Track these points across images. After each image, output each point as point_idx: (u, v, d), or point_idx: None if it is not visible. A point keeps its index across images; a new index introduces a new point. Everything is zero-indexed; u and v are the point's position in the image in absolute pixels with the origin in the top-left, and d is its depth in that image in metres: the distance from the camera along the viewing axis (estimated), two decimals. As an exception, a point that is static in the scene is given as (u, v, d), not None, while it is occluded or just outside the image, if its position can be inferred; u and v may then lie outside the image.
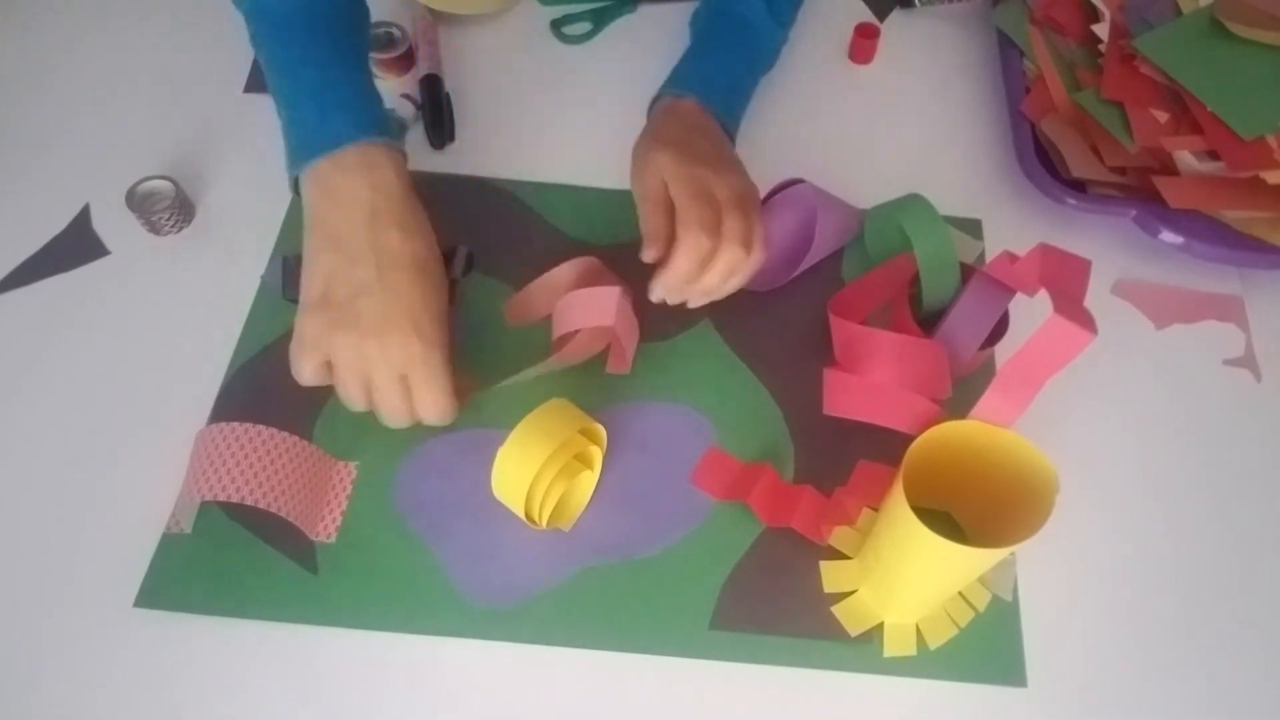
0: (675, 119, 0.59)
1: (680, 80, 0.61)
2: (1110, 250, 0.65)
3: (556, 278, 0.57)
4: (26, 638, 0.50)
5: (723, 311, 0.62)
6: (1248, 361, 0.62)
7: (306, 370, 0.50)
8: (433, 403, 0.50)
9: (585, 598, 0.52)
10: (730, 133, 0.61)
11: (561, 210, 0.66)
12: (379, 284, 0.49)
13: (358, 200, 0.50)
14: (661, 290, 0.54)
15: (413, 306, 0.49)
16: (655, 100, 0.61)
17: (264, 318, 0.60)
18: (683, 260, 0.52)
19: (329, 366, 0.50)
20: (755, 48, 0.66)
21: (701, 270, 0.53)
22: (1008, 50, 0.72)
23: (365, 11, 0.59)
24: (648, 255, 0.53)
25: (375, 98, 0.55)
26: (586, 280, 0.57)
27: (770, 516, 0.52)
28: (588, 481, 0.54)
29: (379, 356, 0.49)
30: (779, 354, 0.60)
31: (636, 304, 0.57)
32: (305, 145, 0.51)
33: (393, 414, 0.51)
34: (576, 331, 0.55)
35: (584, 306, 0.54)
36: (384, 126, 0.53)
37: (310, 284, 0.50)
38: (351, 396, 0.50)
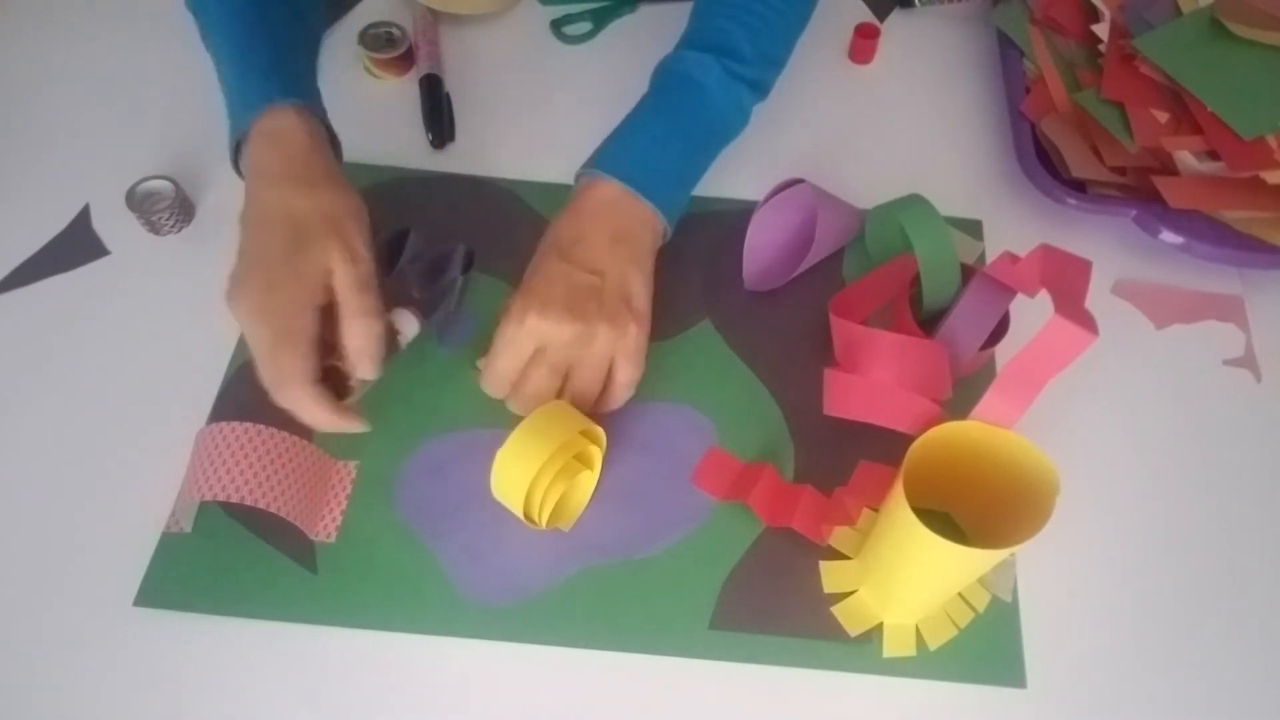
0: (577, 219, 0.55)
1: (604, 155, 0.56)
2: (1110, 250, 0.65)
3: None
4: (26, 636, 0.50)
5: (723, 311, 0.62)
6: (1248, 361, 0.62)
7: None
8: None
9: (585, 598, 0.52)
10: (665, 211, 0.56)
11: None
12: (246, 244, 0.50)
13: (254, 164, 0.52)
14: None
15: (269, 266, 0.49)
16: (578, 176, 0.57)
17: (264, 318, 0.60)
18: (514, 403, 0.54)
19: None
20: (705, 115, 0.59)
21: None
22: (1008, 50, 0.72)
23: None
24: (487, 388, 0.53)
25: (266, 63, 0.54)
26: None
27: (770, 516, 0.52)
28: (587, 481, 0.54)
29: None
30: (779, 354, 0.60)
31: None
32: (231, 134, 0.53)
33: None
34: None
35: None
36: (270, 90, 0.52)
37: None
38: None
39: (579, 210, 0.55)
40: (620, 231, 0.54)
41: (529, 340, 0.51)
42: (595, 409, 0.54)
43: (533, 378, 0.52)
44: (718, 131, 0.60)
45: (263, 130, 0.52)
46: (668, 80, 0.59)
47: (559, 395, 0.53)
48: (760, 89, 0.62)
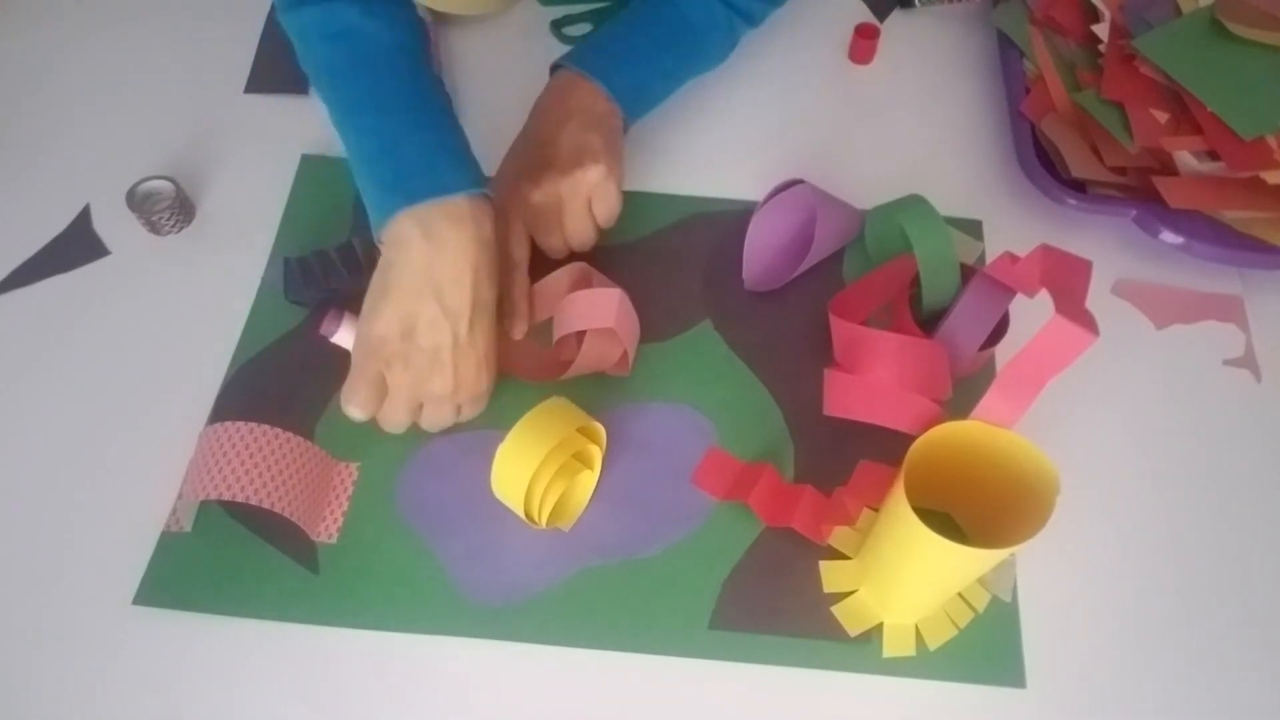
0: (540, 104, 0.61)
1: (570, 51, 0.62)
2: (1110, 250, 0.65)
3: (553, 283, 0.58)
4: (26, 634, 0.50)
5: (723, 311, 0.62)
6: (1248, 361, 0.62)
7: (364, 397, 0.52)
8: (473, 414, 0.55)
9: (585, 597, 0.52)
10: (619, 94, 0.60)
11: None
12: (467, 333, 0.51)
13: (465, 254, 0.50)
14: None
15: (490, 351, 0.53)
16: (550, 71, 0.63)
17: (264, 318, 0.60)
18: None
19: (380, 395, 0.52)
20: (671, 19, 0.63)
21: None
22: (1008, 50, 0.72)
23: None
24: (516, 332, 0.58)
25: (469, 147, 0.54)
26: (580, 285, 0.58)
27: (770, 516, 0.52)
28: (588, 481, 0.55)
29: (443, 393, 0.52)
30: (779, 354, 0.60)
31: (636, 305, 0.57)
32: (412, 184, 0.50)
33: (435, 428, 0.54)
34: (581, 334, 0.55)
35: (585, 308, 0.55)
36: (481, 177, 0.53)
37: (390, 320, 0.50)
38: (399, 422, 0.53)
39: (541, 97, 0.62)
40: (571, 107, 0.59)
41: (514, 217, 0.57)
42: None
43: (540, 241, 0.59)
44: (688, 42, 0.65)
45: (470, 216, 0.51)
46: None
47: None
48: (741, 12, 0.66)
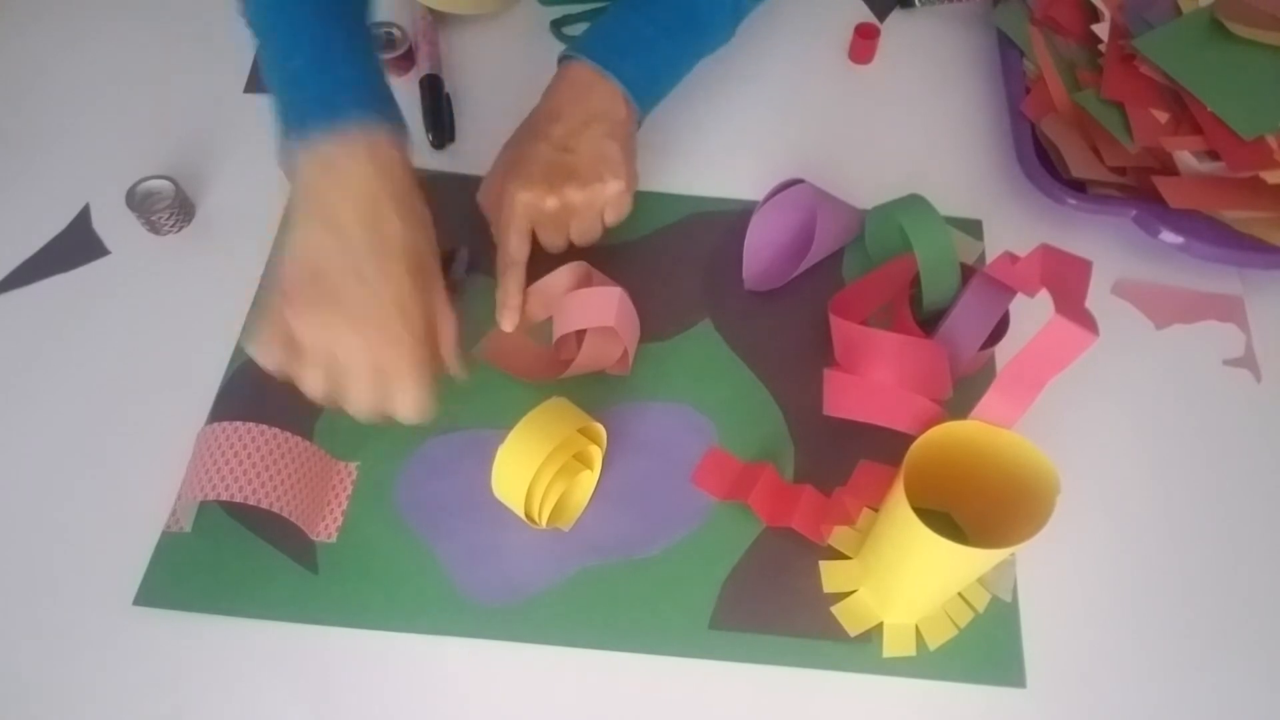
0: (554, 99, 0.58)
1: (582, 39, 0.60)
2: (1110, 250, 0.65)
3: (553, 282, 0.58)
4: (26, 635, 0.50)
5: (723, 311, 0.62)
6: (1248, 361, 0.62)
7: (271, 347, 0.48)
8: (408, 398, 0.49)
9: (585, 597, 0.52)
10: (634, 91, 0.58)
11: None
12: (373, 271, 0.47)
13: (360, 184, 0.48)
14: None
15: (401, 297, 0.48)
16: (559, 58, 0.60)
17: (264, 318, 0.60)
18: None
19: (294, 349, 0.48)
20: (682, 7, 0.61)
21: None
22: (1008, 50, 0.72)
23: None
24: (505, 324, 0.56)
25: (382, 79, 0.52)
26: (580, 284, 0.58)
27: (770, 516, 0.52)
28: (588, 481, 0.55)
29: (355, 344, 0.47)
30: (779, 354, 0.60)
31: (636, 305, 0.57)
32: (305, 117, 0.48)
33: (359, 403, 0.49)
34: (581, 333, 0.55)
35: (585, 307, 0.55)
36: (391, 109, 0.51)
37: (294, 261, 0.48)
38: (313, 381, 0.48)
39: (555, 91, 0.59)
40: (592, 109, 0.57)
41: (524, 218, 0.56)
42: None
43: (544, 239, 0.58)
44: (694, 23, 0.62)
45: (363, 144, 0.48)
46: None
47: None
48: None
